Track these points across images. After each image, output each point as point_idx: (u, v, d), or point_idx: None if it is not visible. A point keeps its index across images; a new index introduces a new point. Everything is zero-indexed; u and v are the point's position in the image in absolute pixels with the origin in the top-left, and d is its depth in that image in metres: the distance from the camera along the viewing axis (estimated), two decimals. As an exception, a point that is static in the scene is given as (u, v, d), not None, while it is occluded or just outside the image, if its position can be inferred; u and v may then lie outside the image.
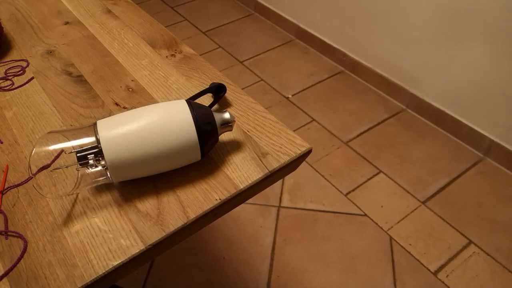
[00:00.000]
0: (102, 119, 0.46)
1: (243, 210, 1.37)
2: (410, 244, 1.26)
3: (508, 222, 1.32)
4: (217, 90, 0.58)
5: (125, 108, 0.59)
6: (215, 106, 0.58)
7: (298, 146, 0.52)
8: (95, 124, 0.45)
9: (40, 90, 0.63)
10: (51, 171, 0.47)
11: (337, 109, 1.73)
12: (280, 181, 1.46)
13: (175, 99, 0.55)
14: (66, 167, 0.47)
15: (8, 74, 0.66)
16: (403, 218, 1.33)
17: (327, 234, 1.30)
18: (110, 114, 0.58)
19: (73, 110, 0.59)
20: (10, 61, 0.69)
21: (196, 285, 1.17)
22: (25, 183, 0.49)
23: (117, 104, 0.60)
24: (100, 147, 0.43)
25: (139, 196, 0.47)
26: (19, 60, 0.69)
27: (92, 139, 0.45)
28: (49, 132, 0.45)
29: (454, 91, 1.53)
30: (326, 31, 1.95)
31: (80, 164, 0.44)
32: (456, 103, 1.54)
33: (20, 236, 0.44)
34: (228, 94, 0.60)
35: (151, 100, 0.60)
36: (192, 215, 0.45)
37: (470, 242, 1.27)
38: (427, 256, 1.23)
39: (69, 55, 0.70)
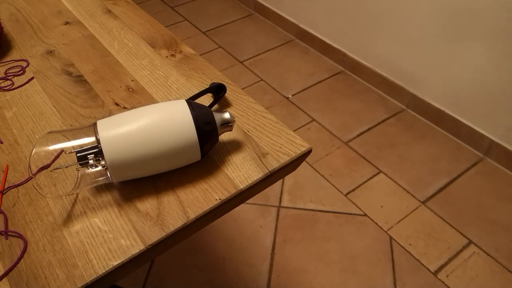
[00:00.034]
0: (102, 119, 0.46)
1: (243, 210, 1.37)
2: (410, 244, 1.26)
3: (508, 222, 1.32)
4: (217, 90, 0.58)
5: (125, 108, 0.59)
6: (215, 106, 0.58)
7: (298, 146, 0.52)
8: (95, 124, 0.45)
9: (40, 90, 0.63)
10: (51, 171, 0.47)
11: (337, 109, 1.73)
12: (280, 181, 1.46)
13: (175, 99, 0.55)
14: (66, 167, 0.47)
15: (8, 74, 0.66)
16: (403, 218, 1.33)
17: (327, 234, 1.30)
18: (110, 114, 0.58)
19: (73, 110, 0.59)
20: (10, 61, 0.69)
21: (196, 285, 1.17)
22: (25, 183, 0.49)
23: (117, 104, 0.60)
24: (100, 147, 0.43)
25: (139, 196, 0.47)
26: (19, 60, 0.69)
27: (92, 139, 0.45)
28: (49, 132, 0.45)
29: (454, 91, 1.53)
30: (326, 31, 1.95)
31: (80, 164, 0.44)
32: (456, 103, 1.54)
33: (20, 236, 0.44)
34: (228, 94, 0.60)
35: (151, 100, 0.60)
36: (192, 215, 0.45)
37: (470, 242, 1.27)
38: (427, 256, 1.23)
39: (69, 55, 0.70)
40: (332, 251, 1.25)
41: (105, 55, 0.69)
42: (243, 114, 0.57)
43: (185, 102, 0.47)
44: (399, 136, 1.61)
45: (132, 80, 0.64)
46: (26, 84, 0.64)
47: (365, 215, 1.35)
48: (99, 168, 0.45)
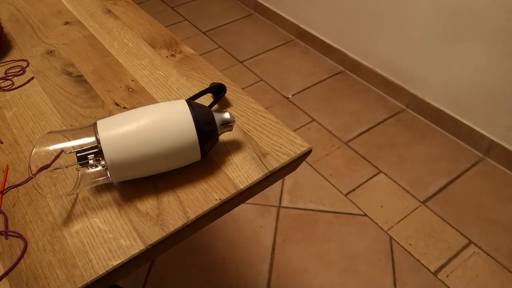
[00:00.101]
0: (102, 119, 0.46)
1: (243, 210, 1.37)
2: (410, 244, 1.26)
3: (508, 222, 1.32)
4: (217, 90, 0.58)
5: (125, 108, 0.59)
6: (215, 106, 0.58)
7: (298, 146, 0.52)
8: (95, 124, 0.45)
9: (40, 90, 0.63)
10: (51, 171, 0.47)
11: (337, 109, 1.73)
12: (280, 181, 1.46)
13: (175, 99, 0.55)
14: (66, 167, 0.47)
15: (8, 74, 0.66)
16: (403, 218, 1.33)
17: (327, 234, 1.30)
18: (110, 114, 0.58)
19: (73, 110, 0.59)
20: (10, 61, 0.69)
21: (196, 285, 1.17)
22: (25, 183, 0.49)
23: (117, 104, 0.60)
24: (100, 147, 0.43)
25: (139, 196, 0.47)
26: (19, 60, 0.69)
27: (92, 139, 0.45)
28: (49, 132, 0.45)
29: (454, 91, 1.53)
30: (326, 31, 1.95)
31: (80, 164, 0.44)
32: (456, 103, 1.54)
33: (20, 236, 0.44)
34: (228, 94, 0.60)
35: (151, 100, 0.60)
36: (192, 215, 0.45)
37: (470, 242, 1.27)
38: (427, 256, 1.23)
39: (69, 55, 0.70)
40: (332, 251, 1.25)
41: (105, 55, 0.69)
42: (243, 114, 0.57)
43: (185, 102, 0.47)
44: (399, 136, 1.61)
45: (132, 80, 0.64)
46: (26, 84, 0.64)
47: (365, 215, 1.35)
48: (99, 168, 0.45)
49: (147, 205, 0.46)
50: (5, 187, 0.49)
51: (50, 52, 0.70)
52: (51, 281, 0.40)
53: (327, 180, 1.45)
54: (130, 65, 0.67)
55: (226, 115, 0.48)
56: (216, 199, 0.46)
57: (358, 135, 1.61)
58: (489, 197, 1.39)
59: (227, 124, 0.49)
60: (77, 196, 0.48)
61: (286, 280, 1.18)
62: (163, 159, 0.45)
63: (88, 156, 0.44)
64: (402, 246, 1.26)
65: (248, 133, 0.54)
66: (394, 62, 1.69)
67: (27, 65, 0.67)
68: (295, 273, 1.20)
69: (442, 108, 1.59)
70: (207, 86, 0.61)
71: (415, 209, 1.36)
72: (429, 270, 1.20)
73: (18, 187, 0.49)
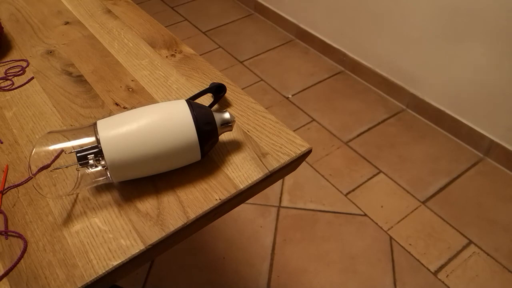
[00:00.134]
0: (102, 119, 0.46)
1: (243, 210, 1.37)
2: (410, 244, 1.26)
3: (508, 222, 1.32)
4: (217, 90, 0.58)
5: (125, 108, 0.59)
6: (215, 106, 0.58)
7: (298, 146, 0.52)
8: (95, 124, 0.45)
9: (40, 90, 0.63)
10: (51, 171, 0.47)
11: (337, 109, 1.73)
12: (280, 181, 1.46)
13: (175, 99, 0.55)
14: (66, 167, 0.47)
15: (8, 74, 0.66)
16: (403, 218, 1.33)
17: (327, 234, 1.30)
18: (110, 114, 0.58)
19: (73, 110, 0.59)
20: (10, 61, 0.69)
21: (196, 285, 1.17)
22: (25, 183, 0.49)
23: (117, 104, 0.60)
24: (100, 147, 0.43)
25: (139, 196, 0.47)
26: (19, 60, 0.69)
27: (92, 139, 0.45)
28: (49, 132, 0.45)
29: (454, 91, 1.53)
30: (326, 31, 1.95)
31: (80, 164, 0.44)
32: (456, 103, 1.54)
33: (20, 236, 0.44)
34: (228, 94, 0.60)
35: (151, 100, 0.60)
36: (192, 215, 0.45)
37: (470, 242, 1.27)
38: (427, 256, 1.23)
39: (69, 55, 0.70)
40: (332, 251, 1.25)
41: (105, 55, 0.69)
42: (243, 114, 0.57)
43: (185, 102, 0.47)
44: (399, 136, 1.61)
45: (132, 80, 0.64)
46: (26, 84, 0.64)
47: (365, 215, 1.35)
48: (99, 168, 0.45)
49: (147, 205, 0.46)
50: (5, 187, 0.49)
51: (50, 52, 0.70)
52: (51, 281, 0.40)
53: (327, 180, 1.45)
54: (130, 65, 0.67)
55: (226, 115, 0.48)
56: (216, 199, 0.46)
57: (358, 135, 1.61)
58: (489, 197, 1.39)
59: (227, 124, 0.49)
60: (77, 196, 0.48)
61: (286, 280, 1.18)
62: (163, 159, 0.45)
63: (88, 156, 0.44)
64: (402, 246, 1.26)
65: (248, 133, 0.54)
66: (394, 62, 1.69)
67: (27, 65, 0.67)
68: (295, 273, 1.20)
69: (442, 108, 1.59)
70: (207, 86, 0.61)
71: (415, 209, 1.36)
72: (429, 270, 1.20)
73: (18, 187, 0.49)
